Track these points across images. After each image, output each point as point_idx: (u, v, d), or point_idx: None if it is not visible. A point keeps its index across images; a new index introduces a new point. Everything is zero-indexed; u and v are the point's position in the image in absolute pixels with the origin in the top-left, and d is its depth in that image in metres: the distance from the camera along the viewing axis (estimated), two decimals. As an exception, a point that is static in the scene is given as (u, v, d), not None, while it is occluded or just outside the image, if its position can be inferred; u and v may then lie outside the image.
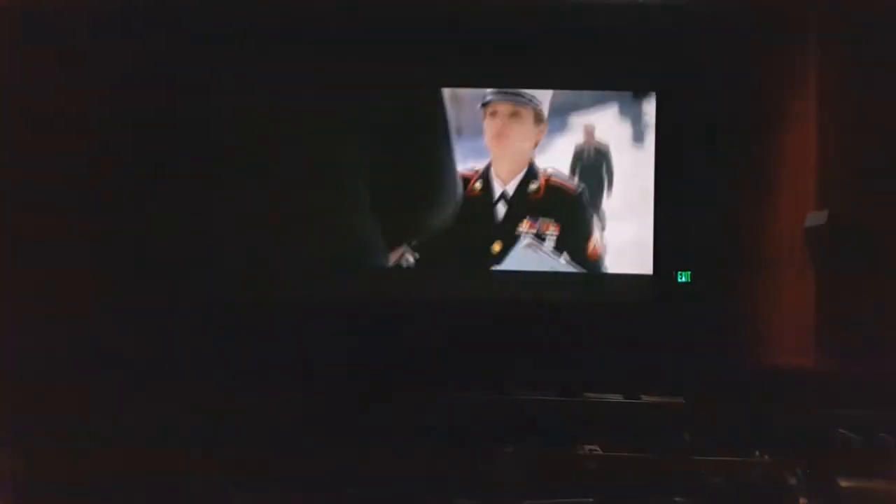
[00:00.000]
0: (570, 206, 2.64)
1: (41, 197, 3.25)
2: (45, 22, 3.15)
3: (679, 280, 3.60)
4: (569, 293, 3.68)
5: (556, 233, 2.59)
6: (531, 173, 2.62)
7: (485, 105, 2.70)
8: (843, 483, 2.11)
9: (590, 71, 3.75)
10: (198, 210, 3.66)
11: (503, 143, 2.58)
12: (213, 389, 2.71)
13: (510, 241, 2.76)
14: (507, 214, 2.62)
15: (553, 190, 2.60)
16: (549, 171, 2.59)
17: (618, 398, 3.02)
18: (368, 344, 3.51)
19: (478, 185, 2.73)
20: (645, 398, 2.99)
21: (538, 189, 2.60)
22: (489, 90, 2.82)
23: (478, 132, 2.90)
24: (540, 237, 2.57)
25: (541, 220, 2.58)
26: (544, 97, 2.72)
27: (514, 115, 2.63)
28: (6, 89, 3.10)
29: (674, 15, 3.53)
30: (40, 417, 2.40)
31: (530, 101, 2.53)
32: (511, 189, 2.58)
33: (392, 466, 2.24)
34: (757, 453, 2.29)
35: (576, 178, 2.78)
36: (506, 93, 2.62)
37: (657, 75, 3.77)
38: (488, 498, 2.13)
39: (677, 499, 2.13)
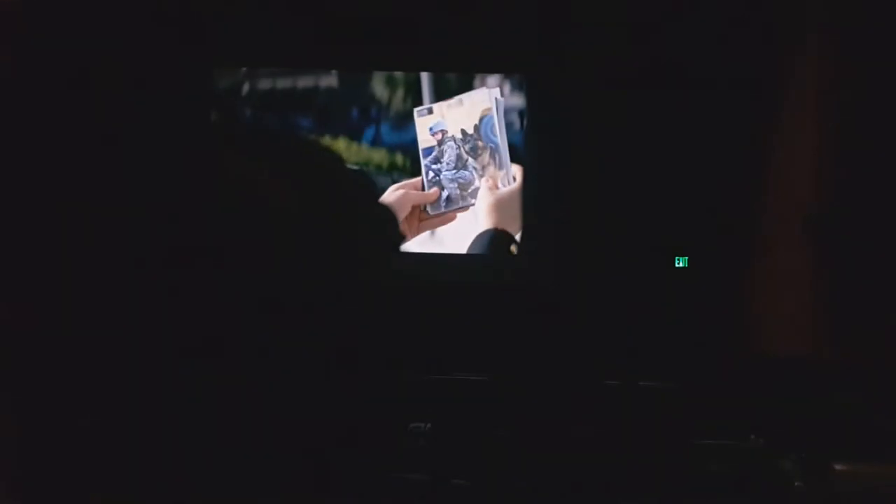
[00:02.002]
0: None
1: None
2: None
3: (676, 265, 3.59)
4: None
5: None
6: None
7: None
8: (838, 467, 2.12)
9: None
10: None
11: None
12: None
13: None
14: None
15: None
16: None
17: (614, 383, 3.02)
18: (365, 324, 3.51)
19: None
20: (642, 383, 2.99)
21: None
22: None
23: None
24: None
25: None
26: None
27: None
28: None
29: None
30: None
31: None
32: None
33: (389, 447, 2.25)
34: (752, 437, 2.30)
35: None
36: None
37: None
38: (484, 479, 2.15)
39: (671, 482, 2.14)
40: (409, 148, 2.92)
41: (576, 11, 3.54)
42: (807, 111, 3.26)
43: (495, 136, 2.91)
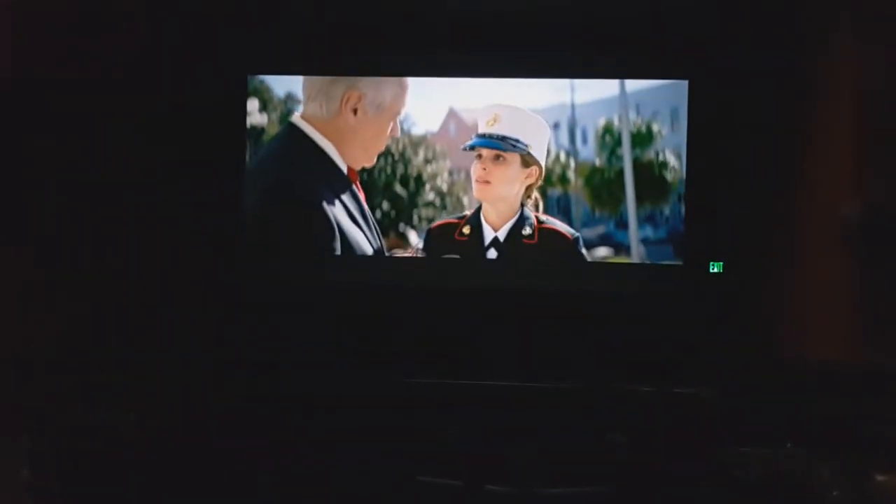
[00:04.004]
0: (565, 252, 2.48)
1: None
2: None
3: (711, 270, 3.55)
4: (598, 283, 3.67)
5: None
6: (522, 218, 2.47)
7: (471, 148, 2.47)
8: (879, 477, 2.08)
9: (618, 58, 3.73)
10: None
11: (484, 187, 2.42)
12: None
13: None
14: (499, 258, 2.47)
15: (547, 234, 2.46)
16: (541, 217, 2.47)
17: (649, 389, 3.00)
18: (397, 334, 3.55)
19: (465, 229, 2.55)
20: (676, 389, 2.96)
21: (532, 234, 2.48)
22: (474, 136, 2.59)
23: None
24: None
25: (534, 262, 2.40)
26: (536, 139, 2.51)
27: (497, 158, 2.47)
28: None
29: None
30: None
31: (514, 146, 2.37)
32: (502, 234, 2.45)
33: (420, 452, 2.26)
34: (789, 445, 2.26)
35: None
36: (490, 137, 2.44)
37: (690, 62, 3.73)
38: (517, 484, 2.14)
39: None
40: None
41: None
42: (844, 114, 3.21)
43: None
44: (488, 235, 2.58)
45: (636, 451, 2.40)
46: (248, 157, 3.83)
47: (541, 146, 2.51)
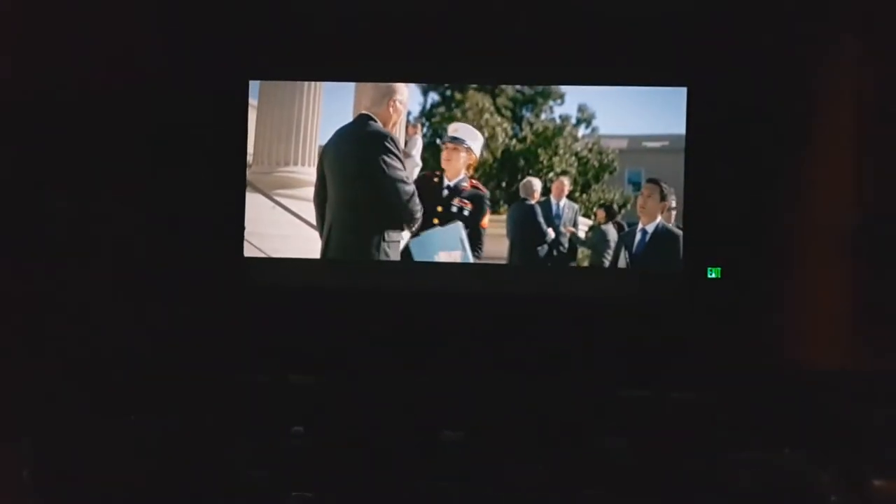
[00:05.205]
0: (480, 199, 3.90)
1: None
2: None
3: (709, 276, 3.56)
4: (595, 287, 3.74)
5: (470, 208, 3.83)
6: (464, 178, 3.87)
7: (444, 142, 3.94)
8: (877, 482, 2.09)
9: (616, 65, 3.80)
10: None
11: (447, 163, 3.88)
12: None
13: (447, 208, 3.88)
14: (449, 194, 3.85)
15: (474, 188, 3.90)
16: (474, 180, 3.91)
17: (646, 394, 3.00)
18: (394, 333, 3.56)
19: (435, 179, 3.87)
20: (674, 395, 2.97)
21: (467, 186, 3.87)
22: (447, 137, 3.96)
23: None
24: (462, 209, 3.81)
25: (465, 199, 3.83)
26: (475, 142, 3.95)
27: (454, 149, 3.91)
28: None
29: (706, 3, 3.52)
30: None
31: (464, 145, 3.87)
32: (453, 183, 3.88)
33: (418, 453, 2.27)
34: (787, 450, 2.27)
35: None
36: (453, 138, 3.89)
37: (688, 68, 3.77)
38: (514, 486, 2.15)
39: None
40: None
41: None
42: (844, 120, 3.23)
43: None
44: (446, 182, 3.90)
45: (635, 455, 2.41)
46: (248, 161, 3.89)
47: (478, 145, 3.97)
